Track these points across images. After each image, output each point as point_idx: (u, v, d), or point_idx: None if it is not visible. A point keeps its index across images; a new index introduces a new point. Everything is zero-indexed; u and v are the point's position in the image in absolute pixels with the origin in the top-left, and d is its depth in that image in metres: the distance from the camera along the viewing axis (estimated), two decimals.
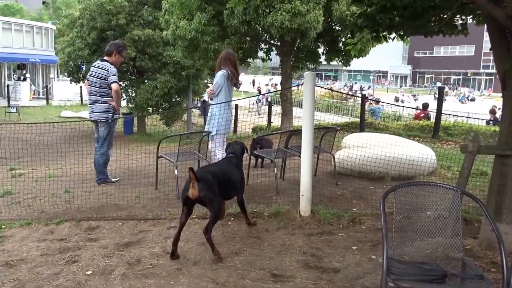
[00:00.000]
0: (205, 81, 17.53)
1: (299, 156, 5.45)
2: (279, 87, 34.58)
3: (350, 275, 3.49)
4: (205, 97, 20.37)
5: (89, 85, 6.38)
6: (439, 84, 63.48)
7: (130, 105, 15.92)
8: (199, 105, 21.06)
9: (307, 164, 4.68)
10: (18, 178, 7.32)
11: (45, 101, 29.80)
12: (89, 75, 6.39)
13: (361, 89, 50.26)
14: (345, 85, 60.95)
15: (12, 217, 4.90)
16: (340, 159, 6.77)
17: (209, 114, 6.05)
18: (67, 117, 21.58)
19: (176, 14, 10.89)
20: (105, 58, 6.37)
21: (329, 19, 11.17)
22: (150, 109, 15.31)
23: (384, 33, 5.46)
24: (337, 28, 12.04)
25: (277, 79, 54.18)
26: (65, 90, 30.47)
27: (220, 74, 5.83)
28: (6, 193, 6.01)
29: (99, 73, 6.22)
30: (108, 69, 6.20)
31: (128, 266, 3.55)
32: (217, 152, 5.92)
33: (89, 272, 3.47)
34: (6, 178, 7.41)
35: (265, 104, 23.72)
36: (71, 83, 17.60)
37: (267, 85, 44.55)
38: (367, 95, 18.96)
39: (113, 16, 14.71)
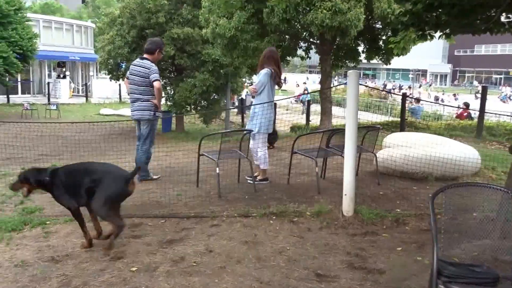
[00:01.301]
0: (244, 79, 17.55)
1: (341, 155, 5.37)
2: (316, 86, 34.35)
3: (396, 277, 3.41)
4: (243, 95, 20.38)
5: (130, 84, 6.41)
6: (476, 83, 61.44)
7: (168, 103, 16.10)
8: (236, 103, 21.13)
9: (350, 164, 4.59)
10: None
11: (84, 98, 30.50)
12: (130, 74, 6.42)
13: (400, 88, 49.24)
14: (384, 83, 60.00)
15: (55, 214, 4.97)
16: (382, 159, 6.63)
17: (251, 112, 6.03)
18: (106, 115, 22.02)
19: (216, 12, 10.93)
20: (145, 56, 6.38)
21: (370, 17, 10.97)
22: (189, 107, 15.43)
23: (430, 31, 5.30)
24: (377, 26, 11.81)
25: (314, 77, 53.79)
26: (104, 88, 31.12)
27: (263, 73, 5.79)
28: None
29: (140, 71, 6.25)
30: (149, 67, 6.23)
31: (172, 263, 3.56)
32: (258, 150, 5.89)
33: (133, 269, 3.50)
34: None
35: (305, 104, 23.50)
36: (110, 80, 17.96)
37: (304, 83, 44.36)
38: (408, 95, 18.55)
39: (152, 14, 14.90)
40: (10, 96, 26.75)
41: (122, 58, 16.08)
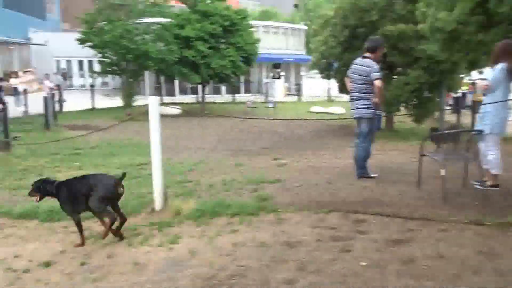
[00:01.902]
0: (461, 75, 16.28)
1: None
2: None
3: None
4: (460, 93, 18.91)
5: (351, 82, 6.58)
6: None
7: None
8: (451, 101, 19.71)
9: None
10: (283, 167, 8.10)
11: (296, 97, 32.37)
12: (351, 73, 6.57)
13: None
14: None
15: (284, 202, 5.42)
16: None
17: (481, 111, 5.57)
18: (316, 112, 22.91)
19: (435, 5, 10.37)
20: (367, 55, 6.45)
21: None
22: (399, 105, 15.02)
23: None
24: None
25: None
26: (314, 87, 32.56)
27: (499, 68, 5.30)
28: (276, 180, 6.68)
29: (362, 70, 6.34)
30: (371, 66, 6.28)
31: (401, 263, 3.54)
32: (489, 153, 5.41)
33: (363, 263, 3.59)
34: (273, 167, 8.27)
35: None
36: (324, 79, 18.66)
37: None
38: None
39: (365, 12, 14.93)
40: (234, 95, 30.22)
41: (334, 57, 16.54)
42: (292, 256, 3.82)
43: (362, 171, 6.46)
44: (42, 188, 4.52)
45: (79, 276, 3.65)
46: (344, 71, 15.48)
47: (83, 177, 4.66)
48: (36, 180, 4.66)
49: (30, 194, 4.65)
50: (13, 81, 25.66)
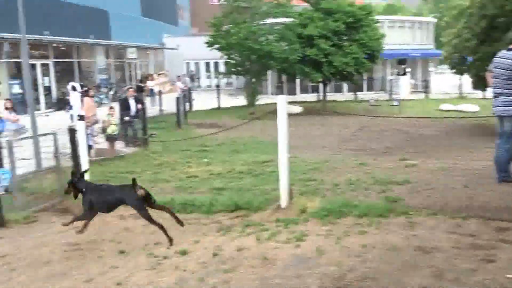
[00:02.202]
0: None
1: None
2: None
3: None
4: None
5: (493, 77, 6.00)
6: None
7: None
8: None
9: None
10: (411, 168, 7.68)
11: (423, 94, 30.58)
12: (494, 67, 5.99)
13: None
14: None
15: (415, 205, 5.12)
16: None
17: None
18: (446, 110, 21.43)
19: None
20: None
21: None
22: None
23: None
24: None
25: None
26: (443, 83, 30.51)
27: None
28: (404, 181, 6.35)
29: (507, 64, 5.74)
30: None
31: None
32: None
33: (509, 276, 3.24)
34: (400, 167, 7.89)
35: None
36: (455, 74, 17.42)
37: None
38: None
39: (507, 0, 13.56)
40: (357, 93, 29.56)
41: (468, 51, 15.32)
42: (427, 262, 3.60)
43: (504, 174, 5.85)
44: (77, 184, 4.89)
45: (212, 266, 3.83)
46: (479, 65, 14.27)
47: (114, 189, 4.97)
48: (71, 178, 4.98)
49: (66, 192, 5.08)
50: (149, 83, 28.01)
